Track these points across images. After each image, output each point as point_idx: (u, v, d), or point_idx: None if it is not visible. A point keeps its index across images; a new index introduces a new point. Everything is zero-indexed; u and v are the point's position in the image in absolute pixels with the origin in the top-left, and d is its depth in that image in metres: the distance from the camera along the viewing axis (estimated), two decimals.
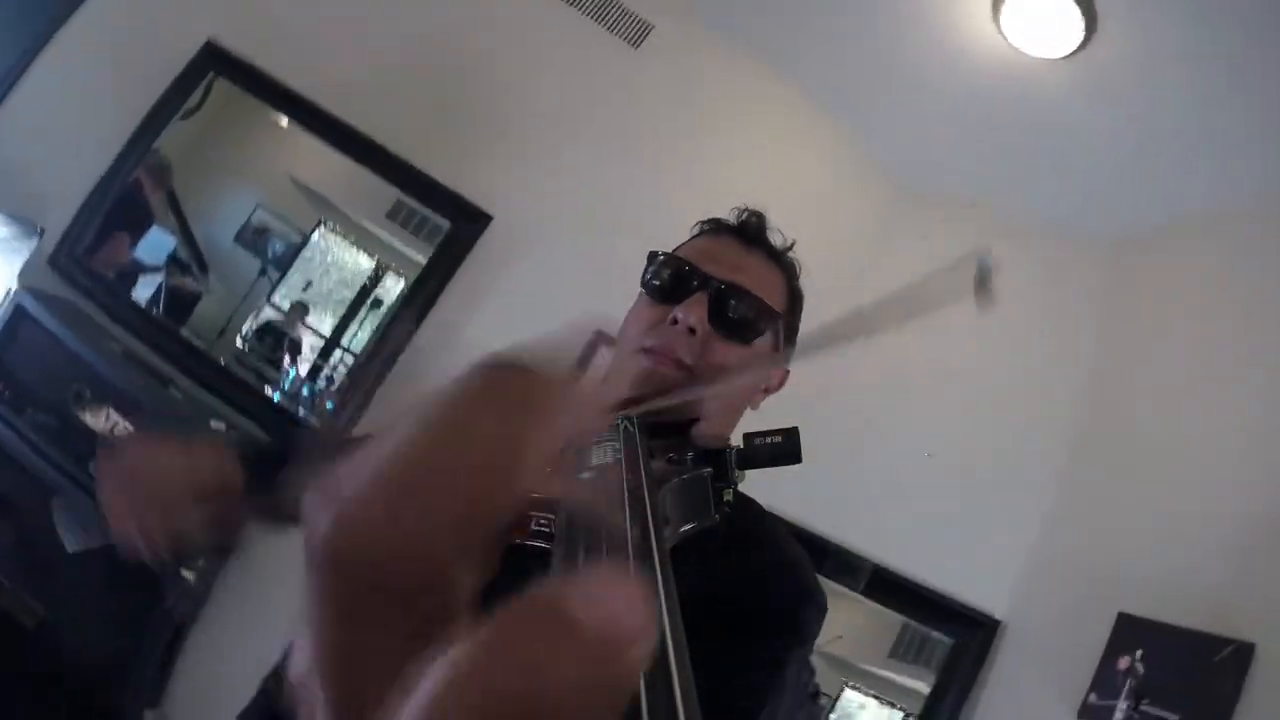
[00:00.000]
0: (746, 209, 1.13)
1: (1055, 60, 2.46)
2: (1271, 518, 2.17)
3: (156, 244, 3.06)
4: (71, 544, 0.96)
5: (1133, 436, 2.73)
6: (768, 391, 1.13)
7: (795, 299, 1.13)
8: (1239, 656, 2.06)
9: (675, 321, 1.00)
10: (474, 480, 0.23)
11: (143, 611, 2.19)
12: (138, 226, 3.01)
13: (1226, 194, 2.64)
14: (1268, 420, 2.30)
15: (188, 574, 2.25)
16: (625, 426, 0.55)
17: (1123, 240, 3.05)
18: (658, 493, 0.55)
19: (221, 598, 2.57)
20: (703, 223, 1.16)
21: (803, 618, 0.97)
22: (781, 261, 1.12)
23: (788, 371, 1.14)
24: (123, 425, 2.37)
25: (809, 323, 1.15)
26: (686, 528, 0.65)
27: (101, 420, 2.38)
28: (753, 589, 0.95)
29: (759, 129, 3.28)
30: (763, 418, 1.07)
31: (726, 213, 1.15)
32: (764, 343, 1.06)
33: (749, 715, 0.87)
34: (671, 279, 1.04)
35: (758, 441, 0.77)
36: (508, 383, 0.25)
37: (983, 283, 0.53)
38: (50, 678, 2.11)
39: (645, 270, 1.08)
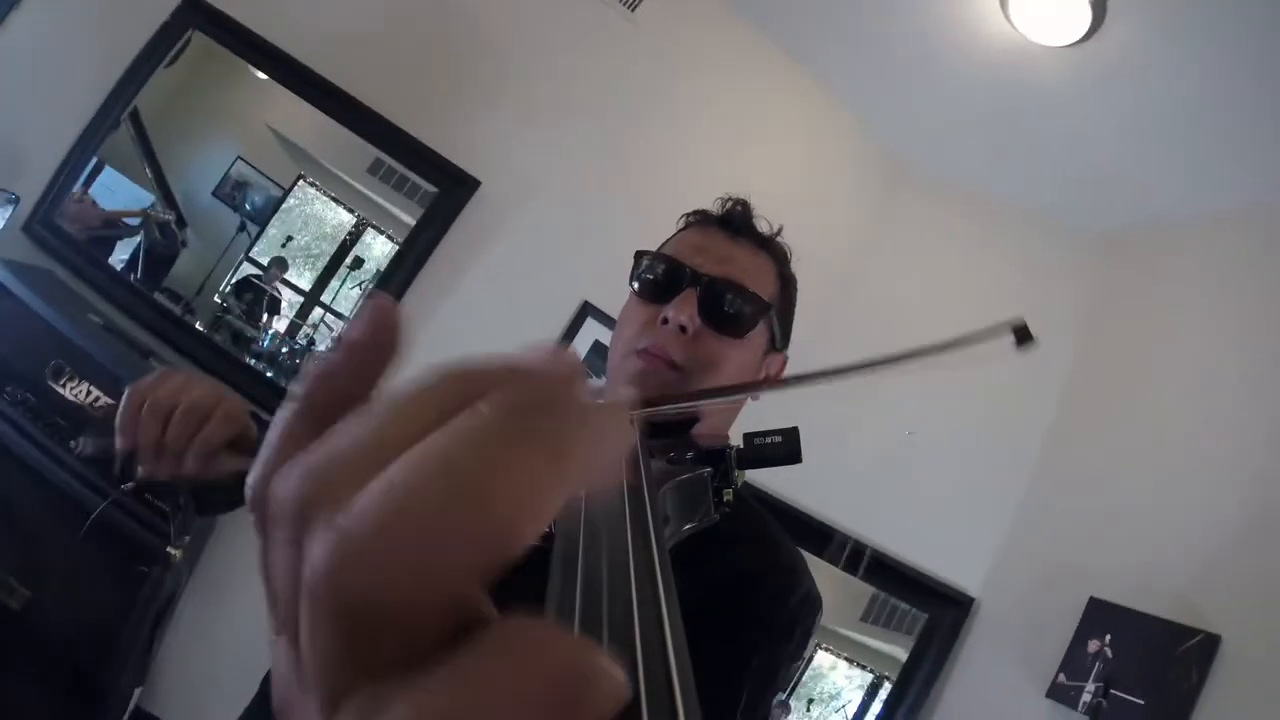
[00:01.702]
0: (730, 198, 1.10)
1: (1059, 49, 2.42)
2: (1242, 515, 2.23)
3: (114, 187, 2.91)
4: (86, 449, 0.94)
5: (1110, 429, 2.77)
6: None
7: (787, 285, 1.10)
8: (1205, 647, 2.14)
9: (666, 321, 0.98)
10: (504, 529, 0.19)
11: (129, 590, 2.19)
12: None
13: (1217, 198, 2.65)
14: (1241, 419, 2.34)
15: (174, 551, 2.25)
16: None
17: (1111, 235, 3.06)
18: (658, 493, 0.55)
19: (206, 573, 2.58)
20: (687, 215, 1.13)
21: (800, 621, 0.98)
22: (770, 248, 1.09)
23: (786, 359, 1.12)
24: (103, 400, 2.33)
25: (806, 303, 1.13)
26: (686, 527, 0.66)
27: (81, 394, 2.34)
28: (751, 591, 0.95)
29: (754, 98, 3.21)
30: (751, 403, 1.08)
31: (711, 201, 1.12)
32: (758, 334, 1.04)
33: (743, 715, 0.88)
34: (660, 277, 1.02)
35: (758, 441, 0.77)
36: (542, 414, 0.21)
37: (1022, 340, 0.59)
38: (37, 658, 2.12)
39: (633, 270, 1.06)
